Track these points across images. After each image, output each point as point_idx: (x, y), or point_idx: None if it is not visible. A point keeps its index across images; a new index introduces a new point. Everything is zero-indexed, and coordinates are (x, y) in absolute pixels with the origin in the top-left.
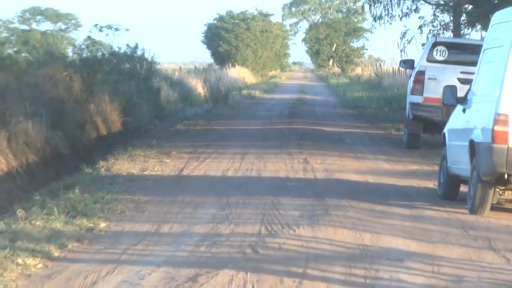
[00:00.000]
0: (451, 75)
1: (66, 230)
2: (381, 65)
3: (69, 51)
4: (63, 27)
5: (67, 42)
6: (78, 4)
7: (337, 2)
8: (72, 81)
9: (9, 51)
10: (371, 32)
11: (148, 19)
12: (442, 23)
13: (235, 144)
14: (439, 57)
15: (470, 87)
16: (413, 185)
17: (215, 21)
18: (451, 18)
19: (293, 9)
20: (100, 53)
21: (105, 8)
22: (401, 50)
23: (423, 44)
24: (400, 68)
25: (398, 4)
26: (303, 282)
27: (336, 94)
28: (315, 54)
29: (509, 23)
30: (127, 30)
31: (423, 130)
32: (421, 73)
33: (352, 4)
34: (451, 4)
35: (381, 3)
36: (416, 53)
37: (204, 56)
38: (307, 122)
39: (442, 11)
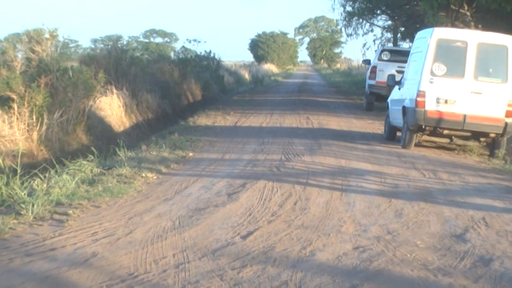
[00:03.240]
0: (392, 68)
1: (169, 157)
2: (351, 62)
3: (172, 54)
4: (168, 40)
5: (170, 49)
6: (177, 26)
7: (326, 26)
8: (173, 72)
9: (137, 54)
10: (345, 43)
11: (218, 34)
12: (387, 38)
13: (267, 108)
14: (385, 58)
15: (403, 75)
16: (369, 132)
17: (255, 37)
18: (392, 35)
19: (300, 30)
20: (189, 55)
21: (193, 28)
22: (363, 54)
23: (376, 50)
24: (362, 64)
25: (361, 27)
26: (306, 187)
27: (325, 79)
28: (313, 56)
29: (425, 38)
30: (205, 42)
31: (375, 100)
32: (374, 67)
33: (334, 27)
34: (392, 28)
35: (351, 26)
36: (372, 56)
37: (249, 57)
38: (308, 95)
39: (387, 31)
